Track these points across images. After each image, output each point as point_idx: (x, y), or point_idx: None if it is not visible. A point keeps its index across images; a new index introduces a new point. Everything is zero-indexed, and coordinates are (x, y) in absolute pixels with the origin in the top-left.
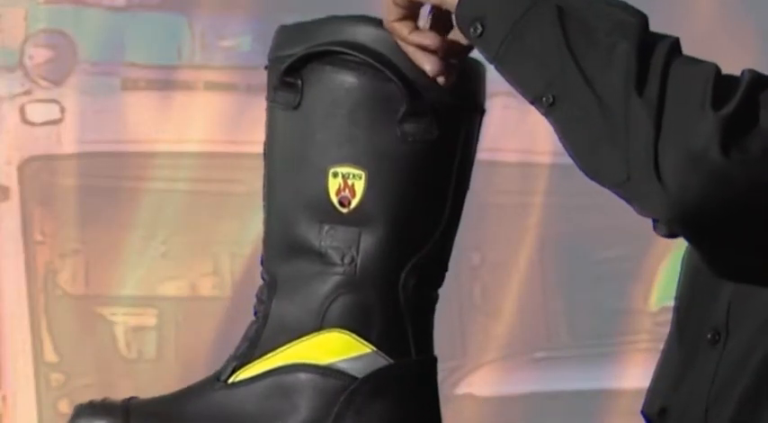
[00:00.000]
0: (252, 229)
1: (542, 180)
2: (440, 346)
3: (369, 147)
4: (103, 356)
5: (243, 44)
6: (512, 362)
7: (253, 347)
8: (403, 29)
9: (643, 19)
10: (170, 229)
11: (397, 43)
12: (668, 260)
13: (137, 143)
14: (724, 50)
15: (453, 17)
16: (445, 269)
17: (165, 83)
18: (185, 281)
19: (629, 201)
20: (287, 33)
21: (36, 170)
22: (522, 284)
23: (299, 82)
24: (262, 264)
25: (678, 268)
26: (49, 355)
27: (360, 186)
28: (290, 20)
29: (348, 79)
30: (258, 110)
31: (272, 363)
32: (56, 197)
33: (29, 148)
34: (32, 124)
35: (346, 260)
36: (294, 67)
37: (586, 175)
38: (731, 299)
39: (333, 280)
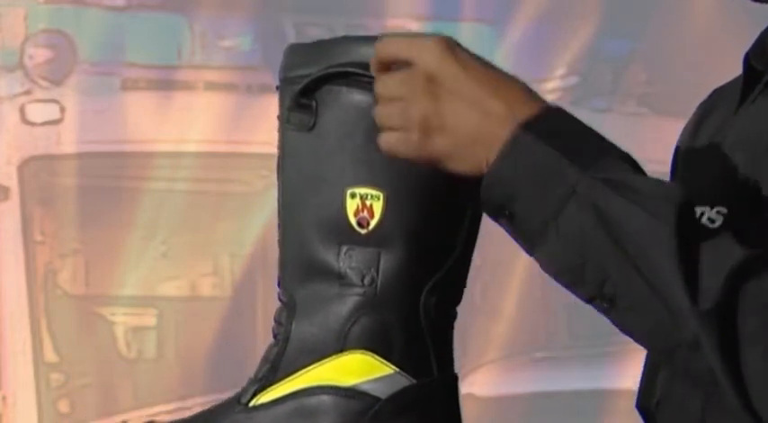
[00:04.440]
0: (252, 229)
1: None
2: None
3: (386, 167)
4: (103, 356)
5: (243, 44)
6: (512, 362)
7: (274, 370)
8: None
9: (675, 211)
10: (170, 229)
11: None
12: None
13: (137, 143)
14: (724, 50)
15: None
16: (464, 286)
17: (165, 83)
18: (185, 281)
19: None
20: (298, 53)
21: (36, 170)
22: (522, 284)
23: (314, 103)
24: (279, 285)
25: None
26: (49, 355)
27: (378, 207)
28: (289, 19)
29: (364, 100)
30: (258, 110)
31: (294, 385)
32: (56, 197)
33: (29, 148)
34: (32, 124)
35: (366, 281)
36: (309, 88)
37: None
38: None
39: (353, 301)
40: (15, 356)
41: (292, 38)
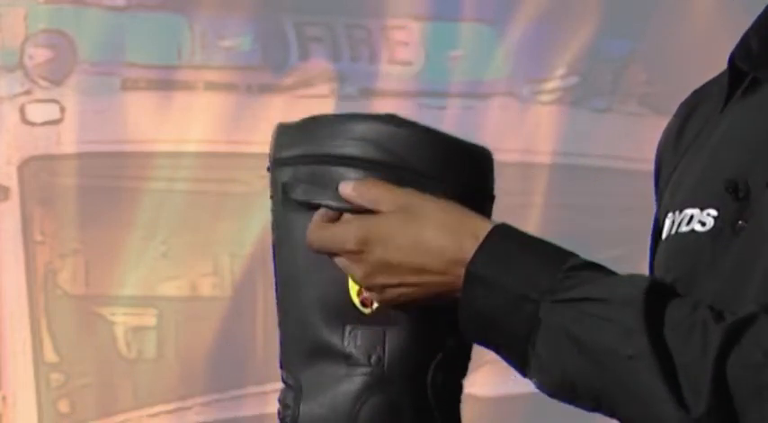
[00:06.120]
0: (252, 229)
1: (542, 180)
2: None
3: None
4: (103, 356)
5: (243, 44)
6: None
7: None
8: None
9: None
10: (170, 229)
11: (407, 137)
12: None
13: (137, 143)
14: (724, 50)
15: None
16: (469, 360)
17: (165, 83)
18: (185, 281)
19: None
20: (288, 134)
21: (36, 170)
22: None
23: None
24: (281, 367)
25: None
26: (49, 355)
27: None
28: (289, 19)
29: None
30: (258, 110)
31: None
32: (56, 197)
33: (29, 148)
34: (32, 124)
35: (373, 360)
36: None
37: None
38: (713, 303)
39: (360, 380)
40: (15, 356)
41: (292, 38)
